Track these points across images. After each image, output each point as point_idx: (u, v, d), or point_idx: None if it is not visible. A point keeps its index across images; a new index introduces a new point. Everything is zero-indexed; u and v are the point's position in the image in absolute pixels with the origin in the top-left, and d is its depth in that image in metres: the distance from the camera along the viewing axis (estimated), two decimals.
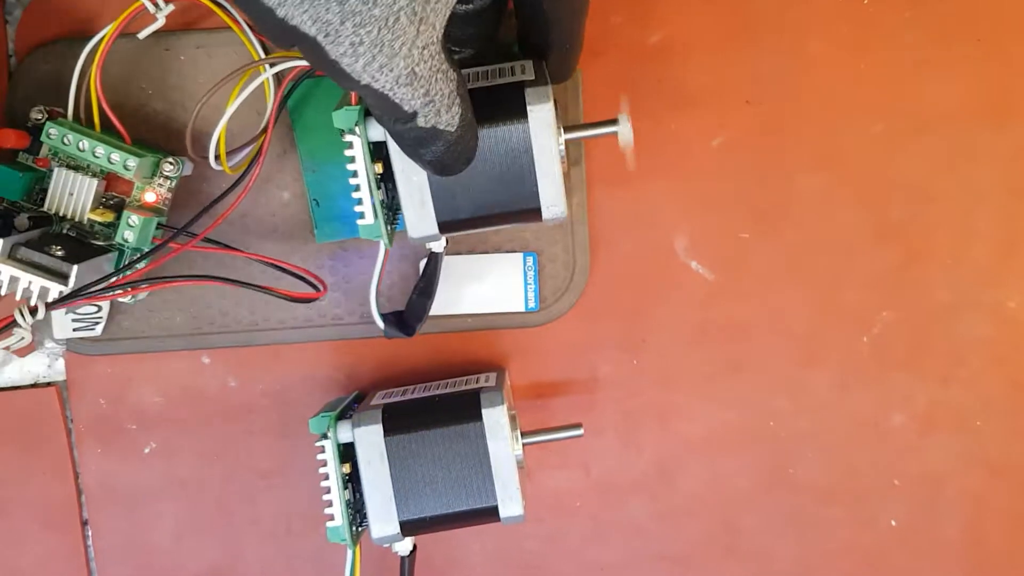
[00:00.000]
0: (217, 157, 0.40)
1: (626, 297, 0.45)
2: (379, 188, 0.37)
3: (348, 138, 0.36)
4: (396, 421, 0.39)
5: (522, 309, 0.44)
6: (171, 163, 0.40)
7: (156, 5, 0.41)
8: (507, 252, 0.44)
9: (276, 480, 0.46)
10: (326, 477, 0.39)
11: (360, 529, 0.40)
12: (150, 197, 0.40)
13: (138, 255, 0.40)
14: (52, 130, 0.39)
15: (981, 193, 0.45)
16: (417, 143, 0.32)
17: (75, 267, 0.37)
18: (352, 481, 0.40)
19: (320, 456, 0.39)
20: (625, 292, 0.45)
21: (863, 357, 0.46)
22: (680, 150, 0.44)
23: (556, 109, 0.36)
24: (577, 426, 0.42)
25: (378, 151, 0.37)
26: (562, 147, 0.37)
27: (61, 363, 0.45)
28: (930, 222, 0.45)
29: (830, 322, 0.45)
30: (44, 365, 0.46)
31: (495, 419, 0.38)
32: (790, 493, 0.46)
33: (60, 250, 0.38)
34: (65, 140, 0.39)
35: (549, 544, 0.47)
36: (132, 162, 0.39)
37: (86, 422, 0.46)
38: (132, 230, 0.40)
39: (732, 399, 0.46)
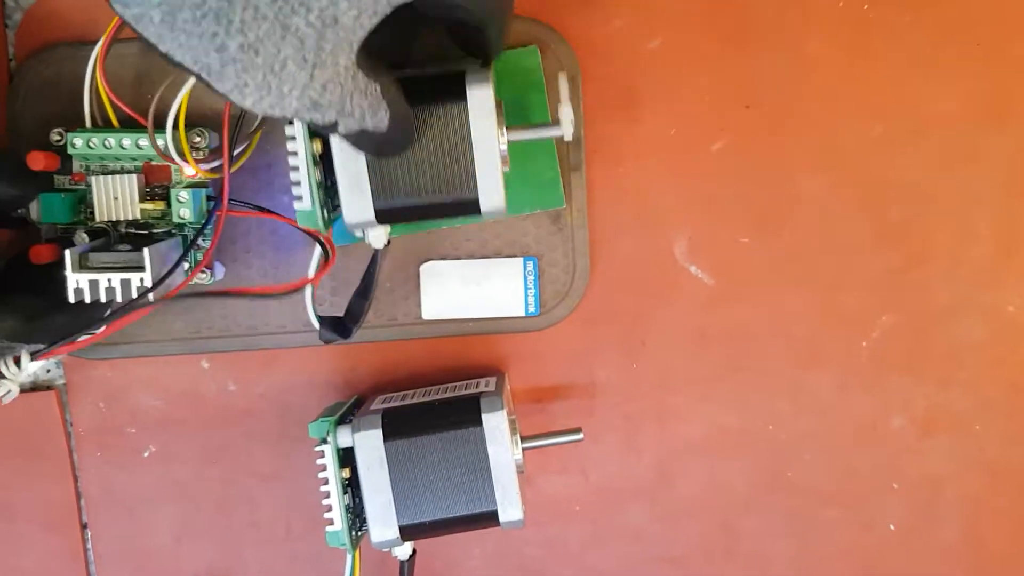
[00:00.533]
0: (181, 154, 0.40)
1: (626, 301, 0.45)
2: (316, 166, 0.36)
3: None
4: (396, 426, 0.39)
5: (522, 313, 0.44)
6: (199, 134, 0.41)
7: None
8: (507, 257, 0.44)
9: (275, 483, 0.46)
10: (326, 482, 0.39)
11: (360, 533, 0.40)
12: (189, 171, 0.40)
13: (198, 232, 0.40)
14: (76, 140, 0.40)
15: (980, 195, 0.45)
16: (345, 138, 0.32)
17: (146, 250, 0.37)
18: (352, 486, 0.40)
19: (320, 461, 0.39)
20: (625, 296, 0.45)
21: (862, 360, 0.46)
22: (680, 154, 0.44)
23: (500, 109, 0.36)
24: (577, 431, 0.42)
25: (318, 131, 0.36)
26: (504, 146, 0.37)
27: (60, 367, 0.45)
28: (930, 224, 0.45)
29: (829, 325, 0.46)
30: (43, 369, 0.46)
31: (495, 424, 0.38)
32: (789, 496, 0.47)
33: (127, 247, 0.38)
34: (91, 144, 0.40)
35: (548, 549, 0.47)
36: (160, 140, 0.39)
37: (86, 426, 0.46)
38: (185, 206, 0.40)
39: (731, 402, 0.46)
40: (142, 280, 0.37)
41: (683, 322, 0.45)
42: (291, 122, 0.35)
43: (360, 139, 0.32)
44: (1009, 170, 0.45)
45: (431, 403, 0.40)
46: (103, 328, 0.37)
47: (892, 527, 0.47)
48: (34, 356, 0.36)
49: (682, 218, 0.45)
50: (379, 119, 0.31)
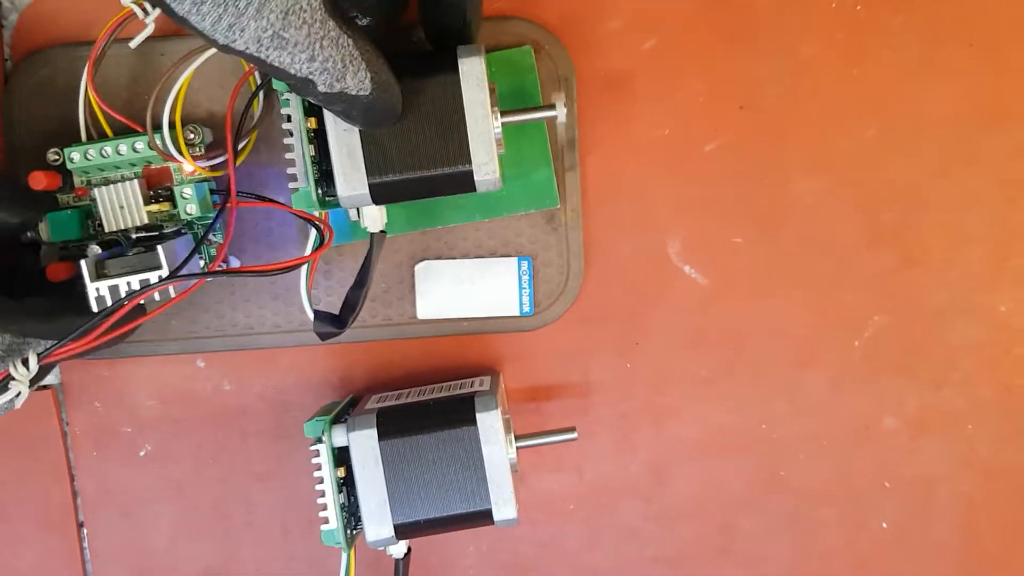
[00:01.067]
0: (179, 150, 0.40)
1: (620, 301, 0.45)
2: (311, 143, 0.37)
3: (285, 96, 0.37)
4: (391, 425, 0.39)
5: (517, 313, 0.45)
6: (192, 131, 0.41)
7: (144, 10, 0.41)
8: (502, 257, 0.44)
9: (271, 482, 0.46)
10: (321, 481, 0.39)
11: (355, 532, 0.41)
12: (188, 168, 0.41)
13: (209, 227, 0.40)
14: (74, 154, 0.40)
15: (974, 197, 0.45)
16: (329, 103, 0.32)
17: (160, 247, 0.38)
18: (347, 485, 0.40)
19: (315, 460, 0.39)
20: (619, 296, 0.45)
21: (855, 361, 0.46)
22: (674, 155, 0.44)
23: (494, 93, 0.37)
24: (571, 430, 0.42)
25: (313, 107, 0.37)
26: (498, 129, 0.37)
27: (56, 366, 0.46)
28: (923, 226, 0.45)
29: (823, 326, 0.46)
30: (55, 375, 0.46)
31: (489, 423, 0.39)
32: (783, 496, 0.47)
33: (141, 250, 0.39)
34: (88, 156, 0.40)
35: (543, 547, 0.47)
36: (156, 140, 0.40)
37: (82, 425, 0.46)
38: (190, 201, 0.40)
39: (725, 402, 0.46)
40: (160, 278, 0.37)
41: (677, 322, 0.46)
42: (288, 95, 0.36)
43: (346, 107, 0.32)
44: (1003, 171, 0.45)
45: (426, 402, 0.40)
46: (113, 320, 0.37)
47: (885, 526, 0.47)
48: (41, 357, 0.36)
49: (676, 218, 0.45)
50: (359, 80, 0.31)
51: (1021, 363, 0.46)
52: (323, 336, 0.39)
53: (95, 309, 0.37)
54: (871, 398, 0.46)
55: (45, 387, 0.46)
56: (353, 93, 0.32)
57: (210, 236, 0.41)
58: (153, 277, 0.37)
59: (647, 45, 0.44)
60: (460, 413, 0.39)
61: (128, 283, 0.37)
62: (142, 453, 0.46)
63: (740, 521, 0.47)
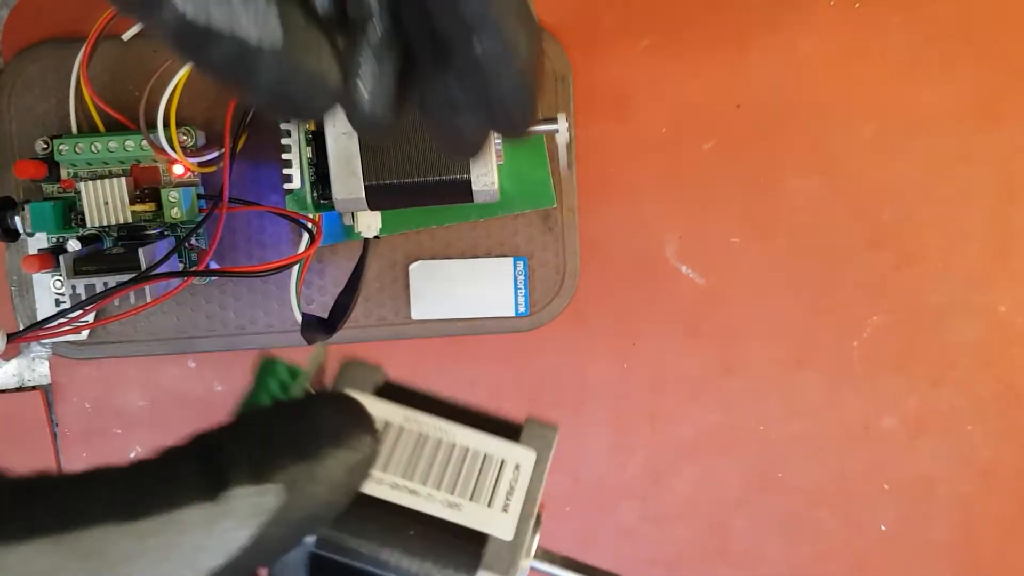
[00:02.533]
0: (171, 143, 0.39)
1: (616, 301, 0.45)
2: (308, 145, 0.36)
3: None
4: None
5: (512, 314, 0.44)
6: (185, 134, 0.41)
7: None
8: (497, 257, 0.44)
9: None
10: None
11: None
12: (178, 170, 0.40)
13: (192, 230, 0.40)
14: (62, 146, 0.40)
15: (972, 196, 0.45)
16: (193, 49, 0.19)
17: (140, 250, 0.37)
18: None
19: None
20: (615, 296, 0.45)
21: (853, 360, 0.46)
22: (670, 154, 0.44)
23: None
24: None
25: None
26: (498, 141, 0.37)
27: (46, 366, 0.45)
28: (921, 225, 0.45)
29: (820, 325, 0.45)
30: (29, 368, 0.45)
31: None
32: (780, 496, 0.46)
33: (120, 249, 0.39)
34: (77, 149, 0.40)
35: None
36: (153, 136, 0.39)
37: (71, 426, 0.45)
38: (175, 205, 0.40)
39: (722, 403, 0.46)
40: (138, 273, 0.37)
41: (674, 322, 0.45)
42: None
43: (225, 66, 0.20)
44: (1001, 170, 0.45)
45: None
46: (81, 314, 0.36)
47: (883, 527, 0.47)
48: (11, 338, 0.36)
49: (673, 218, 0.45)
50: (252, 14, 0.19)
51: (1020, 362, 0.46)
52: (310, 341, 0.39)
53: (69, 306, 0.37)
54: (869, 398, 0.46)
55: (34, 387, 0.45)
56: (240, 35, 0.18)
57: (192, 241, 0.41)
58: (127, 278, 0.37)
59: (643, 43, 0.44)
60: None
61: (105, 283, 0.37)
62: (132, 454, 0.45)
63: (737, 522, 0.47)
